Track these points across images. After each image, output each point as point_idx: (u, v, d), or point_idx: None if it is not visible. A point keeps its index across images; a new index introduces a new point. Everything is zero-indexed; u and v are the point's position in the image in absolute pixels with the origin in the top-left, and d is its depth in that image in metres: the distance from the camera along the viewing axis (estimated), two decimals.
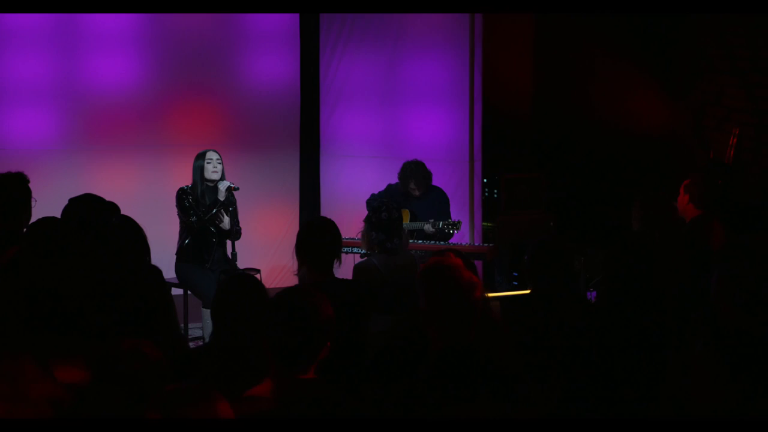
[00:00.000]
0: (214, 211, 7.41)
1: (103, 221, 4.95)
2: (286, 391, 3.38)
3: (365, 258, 6.22)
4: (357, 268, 5.97)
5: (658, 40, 9.92)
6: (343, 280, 5.13)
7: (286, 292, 3.55)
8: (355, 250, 8.04)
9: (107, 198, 5.88)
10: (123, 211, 7.10)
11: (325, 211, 9.60)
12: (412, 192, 8.34)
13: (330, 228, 5.14)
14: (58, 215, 5.49)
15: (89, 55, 8.79)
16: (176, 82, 9.15)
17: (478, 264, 8.94)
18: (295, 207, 9.79)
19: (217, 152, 7.59)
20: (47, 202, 6.28)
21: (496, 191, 9.83)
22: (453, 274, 3.67)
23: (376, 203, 6.23)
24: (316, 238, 5.03)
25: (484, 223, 9.73)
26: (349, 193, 9.48)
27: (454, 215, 8.86)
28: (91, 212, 5.26)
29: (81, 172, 8.73)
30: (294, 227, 9.45)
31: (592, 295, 5.75)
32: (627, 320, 4.48)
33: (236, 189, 7.52)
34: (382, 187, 8.62)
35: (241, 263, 7.86)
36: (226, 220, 7.52)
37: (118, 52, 8.91)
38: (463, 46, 9.33)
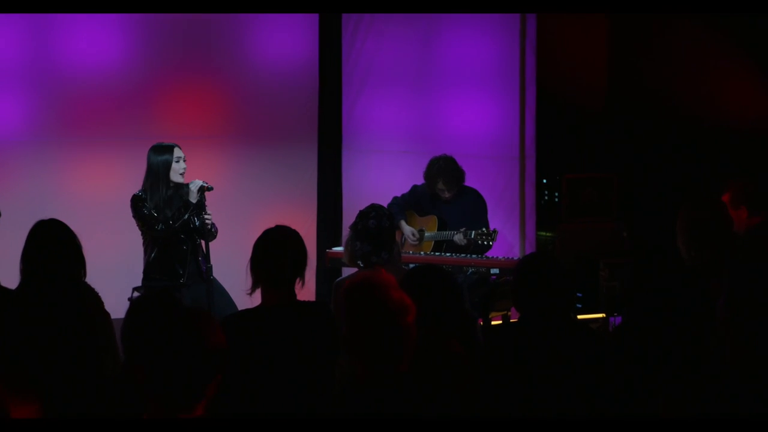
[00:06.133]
0: (186, 216, 7.21)
1: None
2: None
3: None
4: (336, 286, 5.82)
5: (756, 15, 9.62)
6: (306, 303, 4.99)
7: (166, 314, 3.45)
8: None
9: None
10: (99, 213, 7.08)
11: (348, 216, 9.47)
12: (440, 193, 8.19)
13: (291, 240, 4.97)
14: (26, 218, 5.46)
15: (62, 31, 8.69)
16: (168, 62, 9.05)
17: None
18: (312, 212, 9.66)
19: (180, 148, 7.39)
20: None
21: (556, 195, 9.64)
22: (379, 294, 3.62)
23: (365, 208, 6.04)
24: (272, 252, 4.87)
25: (541, 233, 9.57)
26: (376, 195, 9.34)
27: (501, 222, 8.67)
28: None
29: (52, 168, 8.68)
30: (311, 236, 9.33)
31: (615, 321, 5.52)
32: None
33: (210, 189, 7.31)
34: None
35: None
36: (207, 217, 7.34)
37: (96, 25, 8.77)
38: (513, 18, 9.14)
